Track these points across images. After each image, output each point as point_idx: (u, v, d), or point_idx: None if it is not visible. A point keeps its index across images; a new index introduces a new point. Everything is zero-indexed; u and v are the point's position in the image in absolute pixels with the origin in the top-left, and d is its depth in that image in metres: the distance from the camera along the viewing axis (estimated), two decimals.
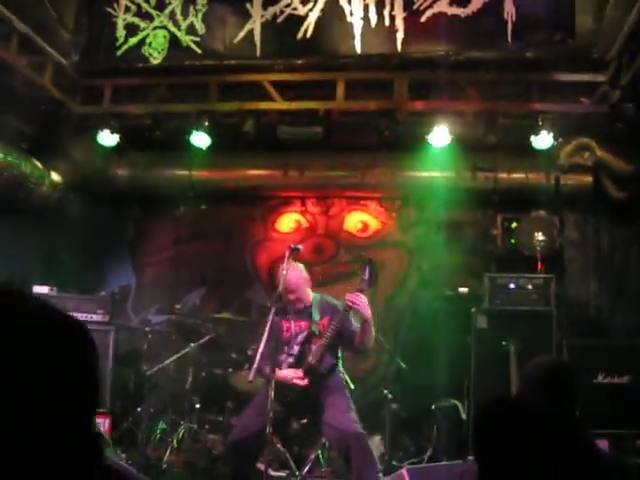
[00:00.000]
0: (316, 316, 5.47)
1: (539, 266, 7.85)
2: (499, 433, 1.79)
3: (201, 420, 7.74)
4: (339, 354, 5.58)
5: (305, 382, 5.26)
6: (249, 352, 6.92)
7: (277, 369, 5.06)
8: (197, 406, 7.74)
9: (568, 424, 1.85)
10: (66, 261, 8.58)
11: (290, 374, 5.25)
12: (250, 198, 9.25)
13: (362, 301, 5.18)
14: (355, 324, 5.35)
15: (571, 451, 1.76)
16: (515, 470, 1.72)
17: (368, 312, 5.19)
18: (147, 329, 8.02)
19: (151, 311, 8.86)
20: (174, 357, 7.55)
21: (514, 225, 8.09)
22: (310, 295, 5.64)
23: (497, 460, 1.78)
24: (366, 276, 5.36)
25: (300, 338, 5.44)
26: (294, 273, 5.53)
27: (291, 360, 5.39)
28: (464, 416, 7.28)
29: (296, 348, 5.42)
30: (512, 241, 8.07)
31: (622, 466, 2.54)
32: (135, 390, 7.94)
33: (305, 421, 5.40)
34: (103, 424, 7.34)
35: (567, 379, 3.07)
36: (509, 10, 6.74)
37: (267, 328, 5.13)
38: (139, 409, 7.59)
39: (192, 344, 7.55)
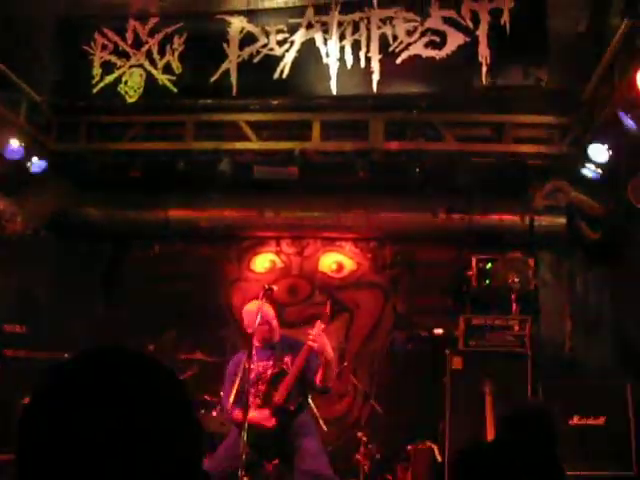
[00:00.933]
0: (280, 355, 5.45)
1: (514, 307, 7.85)
2: (476, 476, 1.75)
3: None
4: (307, 392, 5.53)
5: (272, 423, 5.21)
6: (222, 393, 6.84)
7: (245, 411, 4.99)
8: None
9: (547, 469, 1.82)
10: (39, 299, 8.47)
11: (257, 416, 5.19)
12: (225, 238, 9.20)
13: (322, 341, 5.18)
14: (318, 362, 5.32)
15: None
16: None
17: (329, 351, 5.18)
18: None
19: None
20: None
21: (489, 266, 8.09)
22: (274, 336, 5.63)
23: None
24: (327, 310, 5.40)
25: (265, 378, 5.40)
26: (269, 311, 5.56)
27: (258, 401, 5.34)
28: (439, 458, 7.21)
29: (262, 388, 5.38)
30: (487, 282, 8.07)
31: None
32: None
33: (276, 462, 5.32)
34: None
35: (547, 423, 3.03)
36: (483, 53, 6.81)
37: (239, 372, 5.13)
38: None
39: None
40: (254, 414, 5.18)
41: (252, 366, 5.26)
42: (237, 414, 5.14)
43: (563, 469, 1.92)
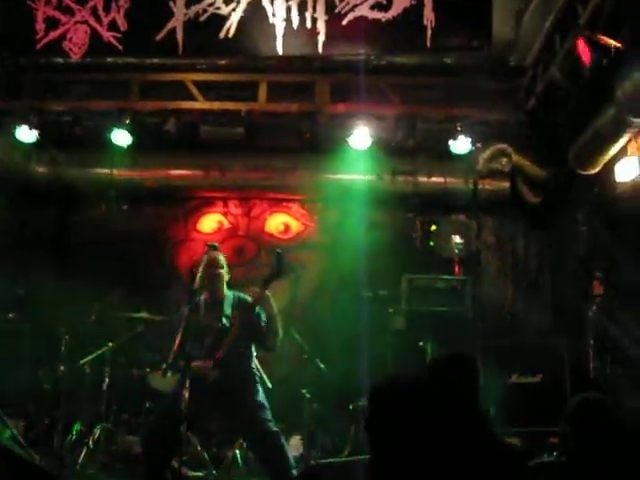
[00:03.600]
0: (227, 310, 5.48)
1: (456, 269, 7.98)
2: (387, 409, 1.83)
3: (118, 421, 7.65)
4: (252, 349, 5.59)
5: (215, 373, 5.25)
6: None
7: (188, 361, 5.03)
8: (114, 407, 7.66)
9: (459, 402, 1.91)
10: None
11: (201, 365, 5.23)
12: (172, 198, 9.17)
13: (266, 296, 5.25)
14: (264, 320, 5.37)
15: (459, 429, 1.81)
16: (403, 444, 1.77)
17: (273, 307, 5.25)
18: (64, 329, 7.89)
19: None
20: (90, 357, 7.45)
21: (433, 228, 8.22)
22: (223, 291, 5.64)
23: (385, 436, 1.81)
24: (275, 269, 5.44)
25: (211, 331, 5.44)
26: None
27: (204, 353, 5.38)
28: None
29: (207, 341, 5.42)
30: (431, 244, 8.19)
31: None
32: (51, 392, 7.80)
33: (219, 413, 5.38)
34: (17, 426, 7.21)
35: (468, 368, 3.13)
36: (428, 16, 6.86)
37: (182, 325, 5.16)
38: (54, 411, 7.48)
39: (109, 344, 7.48)
40: (198, 363, 5.21)
41: (198, 319, 5.30)
42: (181, 364, 5.18)
43: (483, 415, 2.00)
